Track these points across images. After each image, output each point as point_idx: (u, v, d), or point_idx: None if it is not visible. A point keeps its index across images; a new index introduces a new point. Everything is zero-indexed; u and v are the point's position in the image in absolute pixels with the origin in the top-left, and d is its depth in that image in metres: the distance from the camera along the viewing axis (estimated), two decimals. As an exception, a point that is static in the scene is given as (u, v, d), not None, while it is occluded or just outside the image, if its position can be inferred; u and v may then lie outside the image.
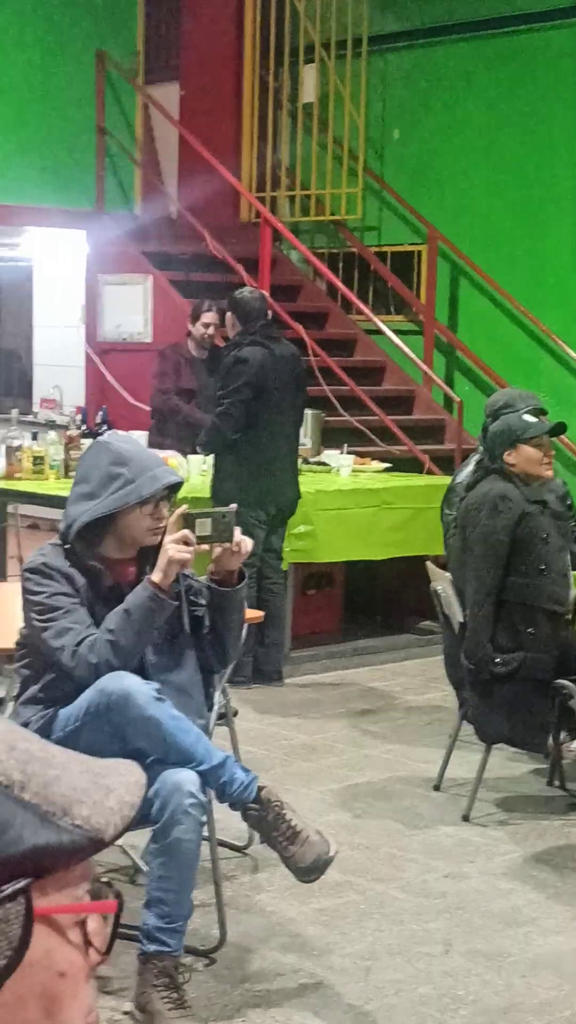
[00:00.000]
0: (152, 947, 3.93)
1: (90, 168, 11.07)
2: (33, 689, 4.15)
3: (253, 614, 5.35)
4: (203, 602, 4.22)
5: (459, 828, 5.65)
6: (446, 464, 9.44)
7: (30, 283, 13.42)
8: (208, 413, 7.98)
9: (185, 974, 4.04)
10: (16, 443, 8.10)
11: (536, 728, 5.63)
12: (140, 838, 4.56)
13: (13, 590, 6.16)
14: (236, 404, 7.43)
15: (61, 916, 1.08)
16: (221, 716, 4.73)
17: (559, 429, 5.80)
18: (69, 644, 4.01)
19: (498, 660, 5.52)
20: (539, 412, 5.71)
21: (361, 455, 9.20)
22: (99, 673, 3.98)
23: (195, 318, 8.90)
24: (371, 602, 9.30)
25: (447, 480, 7.07)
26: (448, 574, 5.84)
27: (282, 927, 4.68)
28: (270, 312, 8.07)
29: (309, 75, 11.23)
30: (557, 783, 6.17)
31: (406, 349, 10.29)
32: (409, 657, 8.57)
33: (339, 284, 10.55)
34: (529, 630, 5.53)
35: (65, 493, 7.46)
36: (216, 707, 4.48)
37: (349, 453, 9.10)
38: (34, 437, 9.01)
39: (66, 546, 4.10)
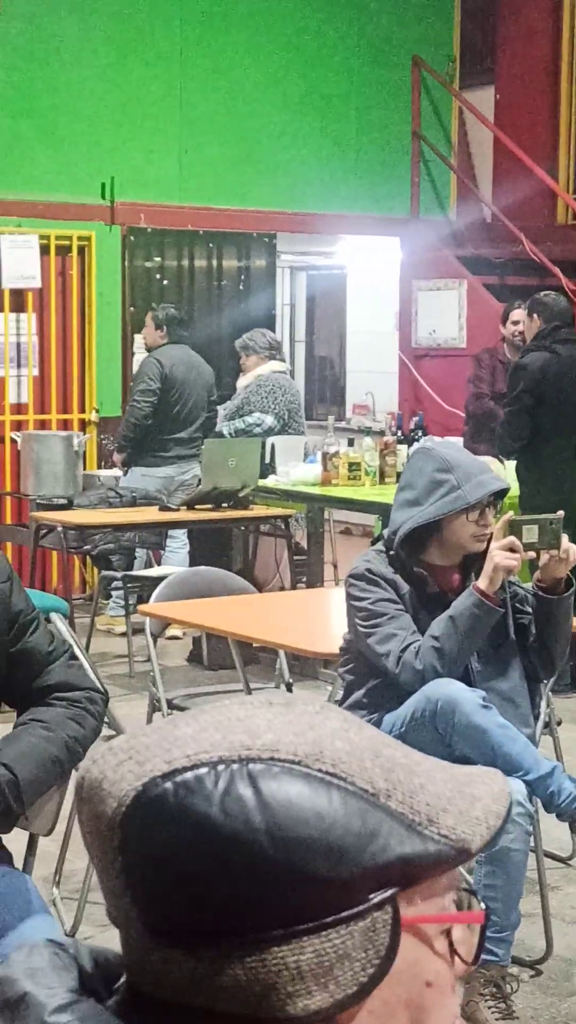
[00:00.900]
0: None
1: (404, 174, 11.11)
2: (357, 694, 4.16)
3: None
4: (528, 610, 4.17)
5: None
6: None
7: (344, 291, 13.56)
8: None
9: (512, 984, 3.99)
10: (332, 449, 8.17)
11: None
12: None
13: (329, 595, 6.22)
14: (516, 412, 7.30)
15: (427, 926, 1.07)
16: (545, 725, 4.66)
17: None
18: (394, 650, 4.01)
19: None
20: None
21: None
22: (424, 679, 3.97)
23: (505, 318, 8.84)
24: None
25: None
26: None
27: (608, 941, 4.59)
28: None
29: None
30: None
31: None
32: None
33: None
34: None
35: (380, 499, 7.45)
36: (542, 716, 4.43)
37: None
38: (350, 443, 9.09)
39: (390, 552, 4.11)
